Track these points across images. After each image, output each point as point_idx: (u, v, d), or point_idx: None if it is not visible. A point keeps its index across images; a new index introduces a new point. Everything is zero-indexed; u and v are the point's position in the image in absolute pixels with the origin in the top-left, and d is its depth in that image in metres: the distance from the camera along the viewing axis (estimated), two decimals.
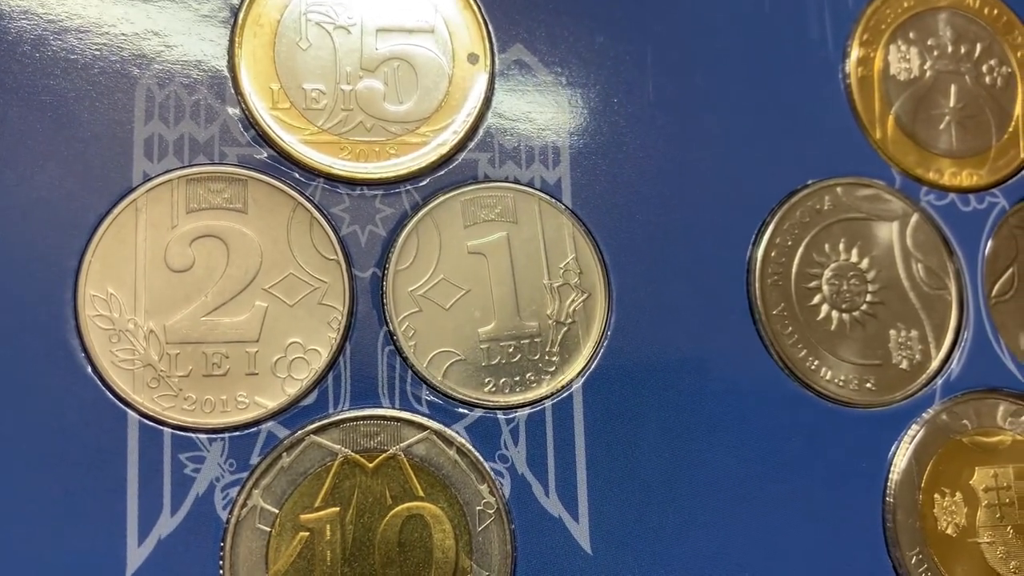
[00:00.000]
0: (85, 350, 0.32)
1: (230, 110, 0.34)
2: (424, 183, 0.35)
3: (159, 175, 0.34)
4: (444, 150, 0.35)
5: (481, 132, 0.36)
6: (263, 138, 0.34)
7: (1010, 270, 0.39)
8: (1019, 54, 0.41)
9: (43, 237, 0.33)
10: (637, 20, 0.38)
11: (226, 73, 0.35)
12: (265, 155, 0.34)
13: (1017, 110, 0.40)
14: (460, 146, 0.36)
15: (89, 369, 0.32)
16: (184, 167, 0.34)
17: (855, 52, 0.39)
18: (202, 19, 0.35)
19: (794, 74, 0.39)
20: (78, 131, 0.33)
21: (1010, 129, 0.40)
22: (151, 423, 0.32)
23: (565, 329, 0.35)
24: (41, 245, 0.33)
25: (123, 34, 0.34)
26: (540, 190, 0.36)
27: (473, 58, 0.36)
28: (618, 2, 0.38)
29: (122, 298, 0.33)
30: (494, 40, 0.36)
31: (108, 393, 0.32)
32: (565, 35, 0.37)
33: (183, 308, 0.33)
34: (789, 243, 0.37)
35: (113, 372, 0.32)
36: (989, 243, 0.39)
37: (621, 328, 0.36)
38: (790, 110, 0.38)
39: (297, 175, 0.34)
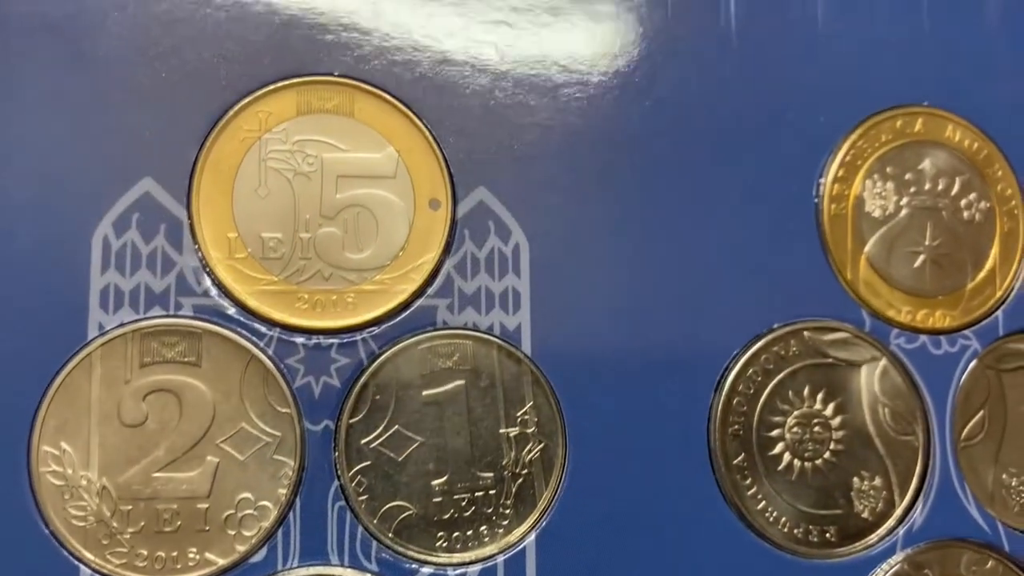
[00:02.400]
0: (38, 506, 0.32)
1: (186, 259, 0.34)
2: (381, 331, 0.35)
3: (114, 328, 0.34)
4: (402, 297, 0.35)
5: (441, 278, 0.36)
6: (219, 288, 0.34)
7: (981, 412, 0.39)
8: (999, 187, 0.40)
9: None
10: (602, 164, 0.37)
11: (183, 220, 0.34)
12: (220, 305, 0.34)
13: (994, 247, 0.40)
14: (419, 293, 0.35)
15: (42, 525, 0.32)
16: (139, 319, 0.34)
17: (829, 188, 0.39)
18: (159, 164, 0.35)
19: (763, 212, 0.38)
20: (33, 282, 0.33)
21: (987, 266, 0.39)
22: None
23: (521, 480, 0.35)
24: None
25: (78, 179, 0.34)
26: (499, 337, 0.36)
27: (435, 203, 0.36)
28: (582, 145, 0.37)
29: (75, 454, 0.33)
30: (456, 184, 0.36)
31: (61, 549, 0.32)
32: (529, 178, 0.37)
33: (135, 464, 0.33)
34: (751, 391, 0.37)
35: (65, 529, 0.32)
36: (960, 386, 0.38)
37: (577, 479, 0.35)
38: (758, 250, 0.38)
39: (253, 325, 0.34)
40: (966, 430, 0.39)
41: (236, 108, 0.35)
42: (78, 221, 0.34)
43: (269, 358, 0.34)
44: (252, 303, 0.34)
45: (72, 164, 0.34)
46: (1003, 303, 0.39)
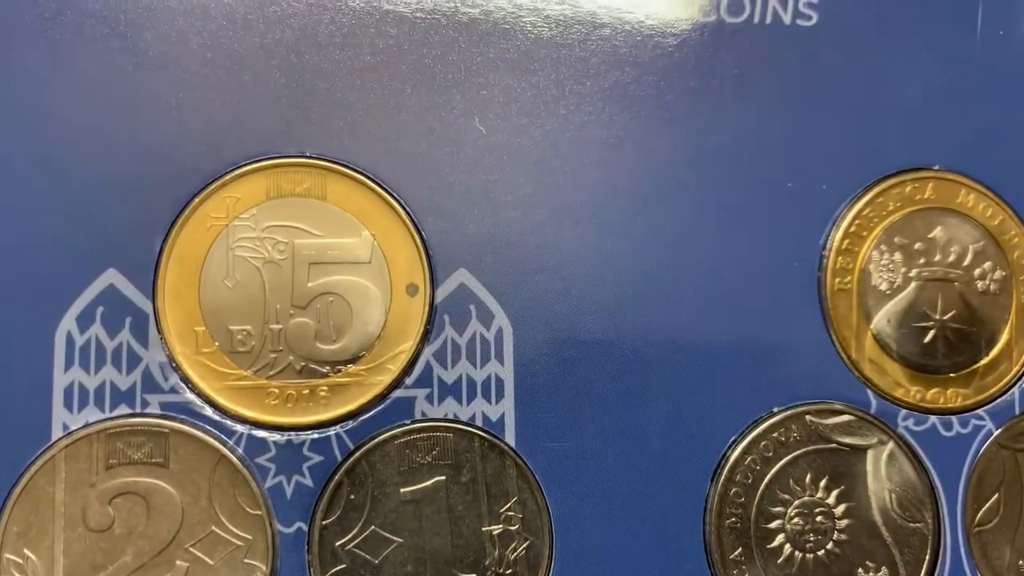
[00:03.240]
0: None
1: (153, 354, 0.33)
2: (356, 425, 0.33)
3: (79, 428, 0.32)
4: (378, 389, 0.34)
5: (419, 367, 0.34)
6: (187, 384, 0.33)
7: (996, 495, 0.37)
8: (1015, 255, 0.37)
9: None
10: (590, 242, 0.35)
11: (149, 313, 0.33)
12: (188, 402, 0.33)
13: (1011, 318, 0.37)
14: (396, 384, 0.34)
15: None
16: (104, 419, 0.32)
17: (832, 261, 0.36)
18: (124, 254, 0.33)
19: (761, 288, 0.36)
20: None
21: (1002, 340, 0.37)
22: None
23: None
24: None
25: (40, 272, 0.33)
26: (481, 428, 0.34)
27: (412, 289, 0.34)
28: (568, 222, 0.35)
29: (39, 561, 0.32)
30: (435, 268, 0.34)
31: None
32: (513, 259, 0.35)
33: (102, 570, 0.32)
34: (750, 480, 0.35)
35: None
36: (973, 469, 0.36)
37: None
38: (756, 329, 0.36)
39: (222, 423, 0.33)
40: (979, 515, 0.36)
41: (202, 194, 0.33)
42: (40, 316, 0.33)
43: (239, 458, 0.33)
44: (221, 400, 0.33)
45: (33, 256, 0.33)
46: (1020, 379, 0.37)
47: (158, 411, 0.33)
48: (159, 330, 0.33)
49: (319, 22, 0.35)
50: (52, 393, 0.32)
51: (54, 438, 0.32)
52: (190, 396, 0.33)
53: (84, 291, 0.33)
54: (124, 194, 0.33)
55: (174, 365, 0.33)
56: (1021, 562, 0.37)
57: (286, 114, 0.34)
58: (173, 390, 0.33)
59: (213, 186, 0.33)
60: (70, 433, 0.32)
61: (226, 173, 0.34)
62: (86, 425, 0.32)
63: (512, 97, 0.36)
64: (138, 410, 0.33)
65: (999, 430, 0.37)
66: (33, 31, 0.33)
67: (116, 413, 0.33)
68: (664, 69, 0.36)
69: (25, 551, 0.32)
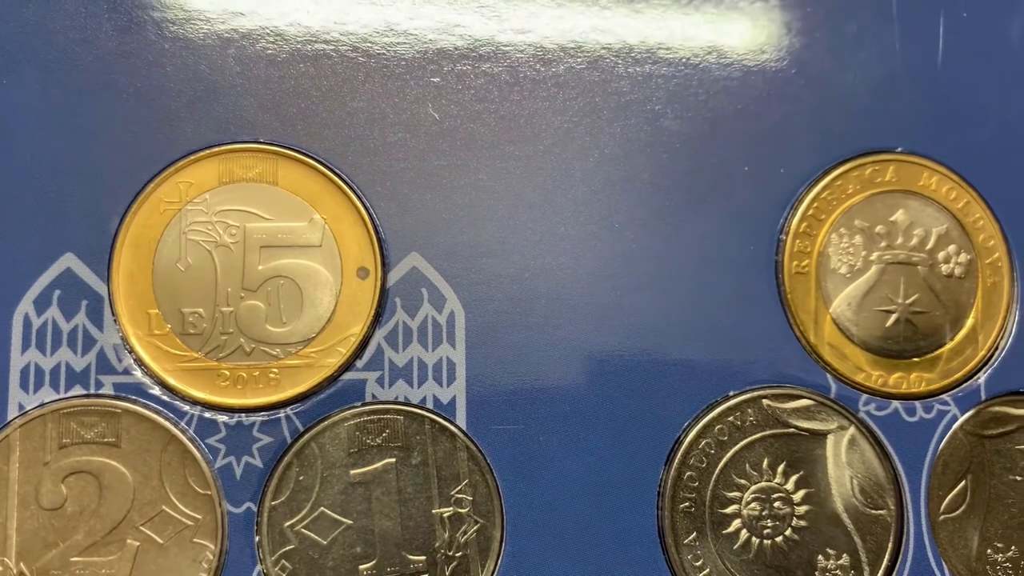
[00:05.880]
0: None
1: (107, 336, 0.33)
2: (306, 407, 0.34)
3: (33, 408, 0.33)
4: (328, 371, 0.34)
5: (370, 350, 0.34)
6: (140, 366, 0.33)
7: (962, 482, 0.36)
8: (980, 238, 0.37)
9: None
10: (544, 225, 0.35)
11: (104, 296, 0.34)
12: (141, 384, 0.33)
13: (977, 302, 0.37)
14: (346, 366, 0.34)
15: None
16: (58, 399, 0.33)
17: (790, 245, 0.36)
18: (81, 238, 0.34)
19: (718, 272, 0.36)
20: None
21: (967, 324, 0.36)
22: None
23: (455, 563, 0.33)
24: None
25: None
26: (432, 411, 0.34)
27: (363, 272, 0.34)
28: (522, 206, 0.35)
29: None
30: (387, 251, 0.35)
31: None
32: (465, 242, 0.35)
33: (54, 548, 0.32)
34: (704, 464, 0.35)
35: None
36: (938, 455, 0.36)
37: (516, 560, 0.34)
38: (713, 312, 0.35)
39: (173, 404, 0.33)
40: (945, 502, 0.36)
41: (157, 179, 0.34)
42: None
43: (189, 438, 0.33)
44: (172, 381, 0.33)
45: None
46: (986, 365, 0.36)
47: (111, 392, 0.33)
48: (113, 312, 0.34)
49: (273, 11, 0.35)
50: (9, 374, 0.33)
51: (9, 417, 0.33)
52: (142, 377, 0.33)
53: (42, 275, 0.34)
54: (82, 180, 0.34)
55: (127, 347, 0.33)
56: (989, 551, 0.36)
57: (240, 101, 0.35)
58: (126, 371, 0.33)
59: (167, 171, 0.34)
60: (25, 413, 0.33)
61: (180, 159, 0.34)
62: (41, 405, 0.33)
63: (466, 83, 0.36)
64: (92, 391, 0.33)
65: (965, 416, 0.36)
66: None
67: (71, 394, 0.33)
68: (618, 54, 0.37)
69: None
